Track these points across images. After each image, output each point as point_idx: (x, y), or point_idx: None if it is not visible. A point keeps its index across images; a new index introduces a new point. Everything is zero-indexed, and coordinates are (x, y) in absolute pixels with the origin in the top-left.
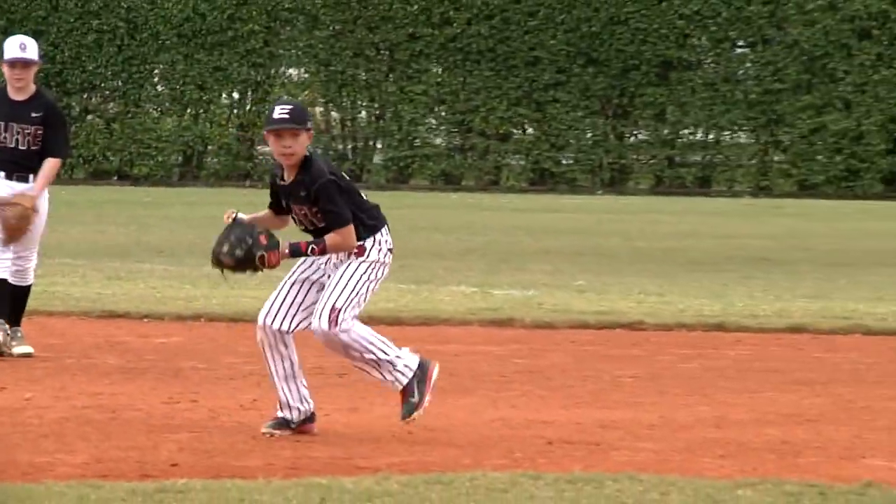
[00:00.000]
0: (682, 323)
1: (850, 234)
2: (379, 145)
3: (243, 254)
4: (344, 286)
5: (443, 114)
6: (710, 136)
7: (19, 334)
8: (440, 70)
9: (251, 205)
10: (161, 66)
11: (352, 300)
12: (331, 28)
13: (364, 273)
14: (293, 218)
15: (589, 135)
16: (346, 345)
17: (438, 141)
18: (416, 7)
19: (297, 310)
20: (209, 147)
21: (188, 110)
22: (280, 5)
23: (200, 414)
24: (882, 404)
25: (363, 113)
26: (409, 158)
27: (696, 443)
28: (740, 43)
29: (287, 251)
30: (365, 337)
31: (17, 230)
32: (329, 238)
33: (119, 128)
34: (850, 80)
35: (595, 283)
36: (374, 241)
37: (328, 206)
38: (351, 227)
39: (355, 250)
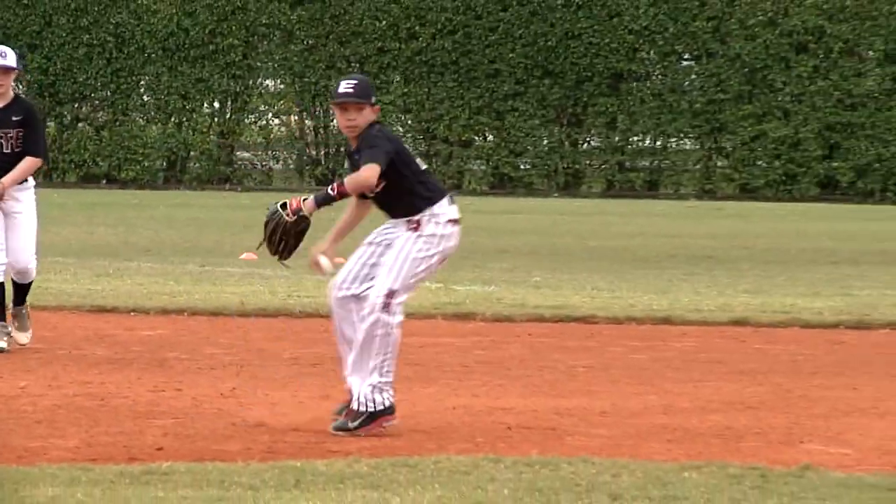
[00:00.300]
0: (631, 317)
1: (788, 234)
2: None
3: (274, 208)
4: (401, 266)
5: (409, 122)
6: (658, 143)
7: (24, 311)
8: (406, 81)
9: (230, 207)
10: (147, 78)
11: (408, 281)
12: (305, 42)
13: (420, 249)
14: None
15: (545, 142)
16: (379, 335)
17: None
18: (384, 23)
19: (367, 271)
20: (192, 153)
21: (172, 119)
22: (258, 21)
23: (184, 401)
24: (818, 393)
25: (335, 121)
26: None
27: (646, 428)
28: (686, 56)
29: (311, 197)
30: (392, 346)
31: None
32: (350, 176)
33: (108, 135)
34: (788, 90)
35: (550, 280)
36: (429, 214)
37: (366, 147)
38: (374, 167)
39: (412, 225)
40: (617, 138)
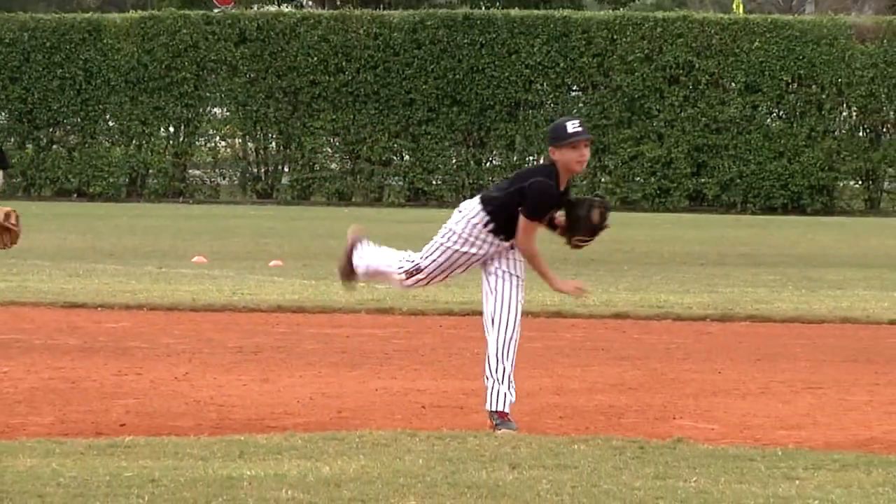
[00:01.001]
0: (527, 311)
1: (663, 240)
2: (286, 169)
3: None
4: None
5: (337, 144)
6: None
7: None
8: (335, 109)
9: (183, 217)
10: (111, 106)
11: None
12: (247, 76)
13: None
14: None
15: (454, 161)
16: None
17: (333, 166)
18: (315, 59)
19: None
20: (150, 171)
21: (133, 141)
22: (207, 57)
23: (143, 384)
24: (688, 376)
25: (273, 143)
26: (310, 180)
27: (540, 406)
28: (574, 88)
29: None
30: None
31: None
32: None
33: (78, 155)
34: (662, 117)
35: (458, 280)
36: None
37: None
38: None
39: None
40: (515, 158)
